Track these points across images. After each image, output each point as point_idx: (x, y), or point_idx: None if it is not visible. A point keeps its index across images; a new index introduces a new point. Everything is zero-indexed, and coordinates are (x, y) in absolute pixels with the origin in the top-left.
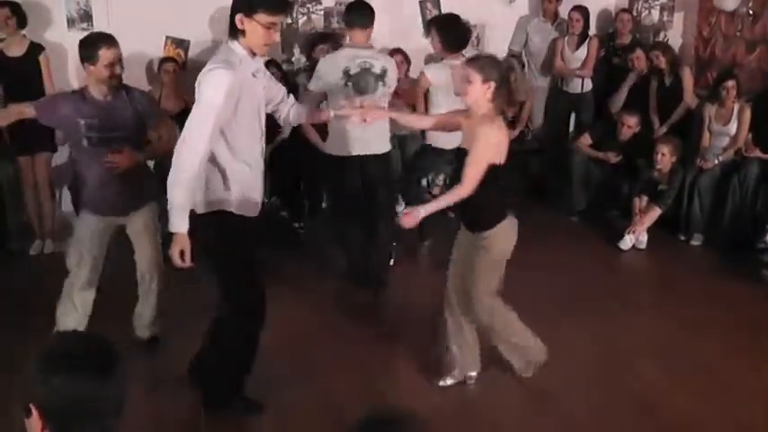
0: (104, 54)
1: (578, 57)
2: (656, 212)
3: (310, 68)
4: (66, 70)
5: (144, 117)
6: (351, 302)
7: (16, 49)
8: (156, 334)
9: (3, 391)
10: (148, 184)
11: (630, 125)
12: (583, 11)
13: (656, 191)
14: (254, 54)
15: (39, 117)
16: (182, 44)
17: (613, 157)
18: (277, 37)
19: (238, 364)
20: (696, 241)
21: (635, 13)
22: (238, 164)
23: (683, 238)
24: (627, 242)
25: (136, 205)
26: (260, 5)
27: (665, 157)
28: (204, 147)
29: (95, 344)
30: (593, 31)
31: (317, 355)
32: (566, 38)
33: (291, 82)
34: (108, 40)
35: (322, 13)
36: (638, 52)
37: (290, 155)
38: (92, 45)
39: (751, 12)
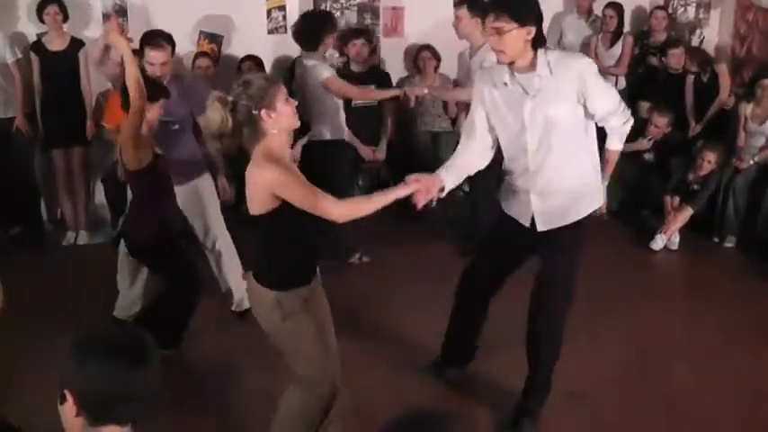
0: (149, 53)
1: (612, 54)
2: (687, 212)
3: (344, 64)
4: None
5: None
6: (377, 297)
7: (58, 44)
8: None
9: (38, 382)
10: None
11: (659, 125)
12: (617, 7)
13: (689, 191)
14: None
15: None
16: (215, 39)
17: (645, 144)
18: (490, 41)
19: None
20: (729, 243)
21: (670, 11)
22: None
23: (716, 239)
24: (658, 243)
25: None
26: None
27: (710, 164)
28: None
29: (131, 333)
30: (627, 28)
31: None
32: (599, 35)
33: None
34: (158, 41)
35: (356, 8)
36: (676, 50)
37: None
38: (144, 42)
39: None
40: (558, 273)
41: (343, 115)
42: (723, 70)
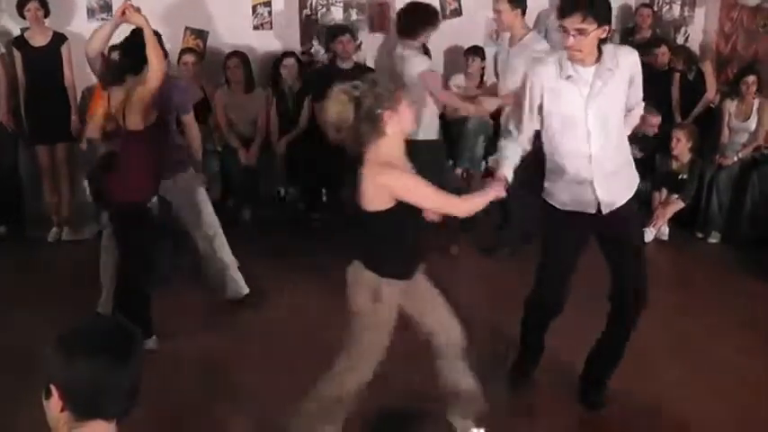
0: None
1: None
2: (678, 204)
3: (329, 60)
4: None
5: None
6: None
7: (40, 39)
8: None
9: (21, 379)
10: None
11: (653, 124)
12: None
13: (676, 181)
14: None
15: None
16: (201, 35)
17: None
18: (570, 41)
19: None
20: (714, 239)
21: (655, 8)
22: None
23: (700, 235)
24: (649, 235)
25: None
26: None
27: (680, 142)
28: None
29: (117, 328)
30: (613, 26)
31: (333, 342)
32: None
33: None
34: None
35: (341, 4)
36: (662, 48)
37: (307, 146)
38: None
39: None
40: (633, 240)
41: (434, 113)
42: (708, 68)
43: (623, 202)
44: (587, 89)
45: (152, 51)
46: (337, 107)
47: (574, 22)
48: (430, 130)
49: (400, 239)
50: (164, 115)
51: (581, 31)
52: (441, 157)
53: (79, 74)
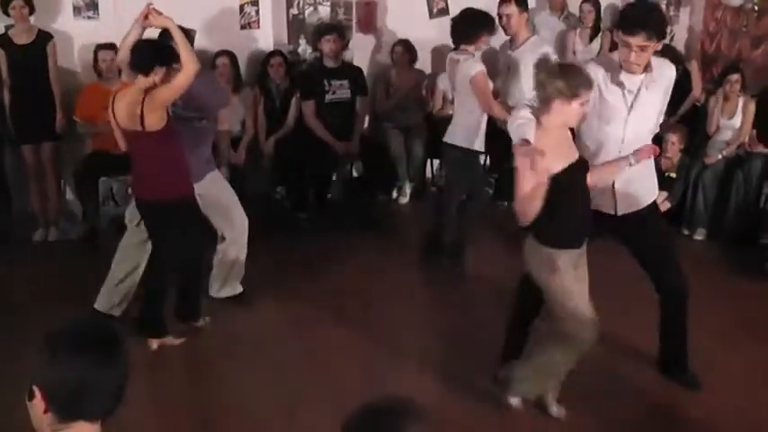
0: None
1: (591, 50)
2: (665, 205)
3: (317, 59)
4: (73, 59)
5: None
6: (355, 290)
7: (25, 37)
8: None
9: (7, 379)
10: None
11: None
12: (594, 2)
13: (663, 179)
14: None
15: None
16: (188, 34)
17: None
18: (632, 57)
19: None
20: (699, 236)
21: None
22: None
23: (686, 232)
24: None
25: None
26: (618, 26)
27: (674, 145)
28: None
29: (100, 328)
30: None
31: (319, 340)
32: (577, 30)
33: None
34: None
35: (329, 4)
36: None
37: (295, 145)
38: None
39: (756, 7)
40: (662, 236)
41: (480, 123)
42: (694, 67)
43: (641, 206)
44: (632, 96)
45: (183, 50)
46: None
47: (639, 40)
48: (468, 137)
49: (571, 208)
50: (204, 112)
51: (643, 48)
52: (470, 169)
53: (64, 71)
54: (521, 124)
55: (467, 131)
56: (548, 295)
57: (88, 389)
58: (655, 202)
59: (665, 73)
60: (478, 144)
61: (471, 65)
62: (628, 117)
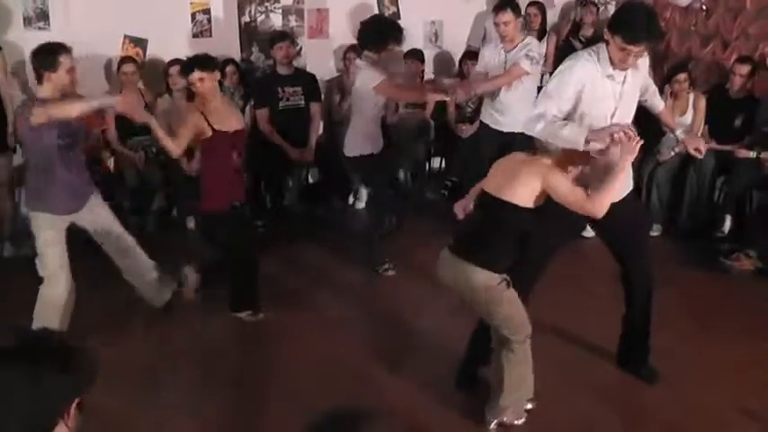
0: (64, 61)
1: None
2: None
3: (270, 67)
4: (24, 70)
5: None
6: (311, 297)
7: None
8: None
9: None
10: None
11: None
12: (540, 6)
13: None
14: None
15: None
16: (140, 43)
17: None
18: (630, 61)
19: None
20: (655, 232)
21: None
22: None
23: None
24: (589, 231)
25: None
26: (617, 31)
27: None
28: None
29: (35, 341)
30: (557, 22)
31: (281, 351)
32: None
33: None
34: (65, 47)
35: (280, 11)
36: None
37: (250, 153)
38: (51, 52)
39: (704, 7)
40: (638, 220)
41: (378, 126)
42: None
43: (618, 198)
44: (620, 87)
45: (163, 139)
46: None
47: (640, 48)
48: (371, 143)
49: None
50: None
51: (640, 54)
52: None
53: (14, 82)
54: (572, 127)
55: (367, 138)
56: (476, 308)
57: (14, 403)
58: (631, 194)
59: (643, 65)
60: (379, 145)
61: (373, 75)
62: (615, 109)
